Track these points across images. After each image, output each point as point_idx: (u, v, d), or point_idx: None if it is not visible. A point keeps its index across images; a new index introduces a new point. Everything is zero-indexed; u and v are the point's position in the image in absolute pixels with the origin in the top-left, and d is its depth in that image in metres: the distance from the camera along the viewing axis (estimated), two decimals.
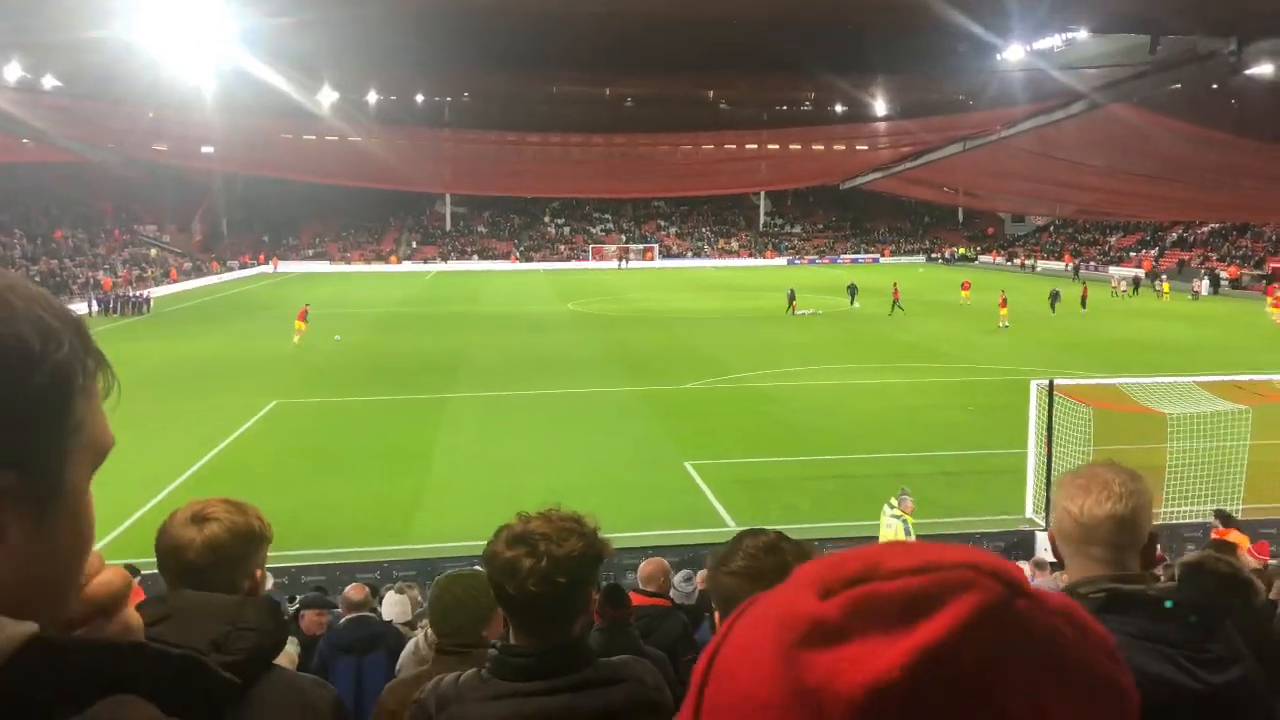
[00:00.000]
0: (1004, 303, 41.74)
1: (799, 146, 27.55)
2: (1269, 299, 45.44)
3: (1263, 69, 18.29)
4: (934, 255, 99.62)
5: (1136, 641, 1.89)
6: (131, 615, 0.90)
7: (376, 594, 9.44)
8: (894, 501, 13.87)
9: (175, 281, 69.85)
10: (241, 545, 2.21)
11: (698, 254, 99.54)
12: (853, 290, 50.22)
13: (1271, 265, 62.50)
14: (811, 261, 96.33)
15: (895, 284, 49.83)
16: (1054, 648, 0.66)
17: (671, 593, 9.02)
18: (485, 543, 2.32)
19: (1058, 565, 11.62)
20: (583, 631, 2.29)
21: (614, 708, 2.17)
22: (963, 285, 50.96)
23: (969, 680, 0.62)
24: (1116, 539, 2.01)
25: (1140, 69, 18.02)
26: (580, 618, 2.22)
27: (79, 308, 52.15)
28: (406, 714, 2.31)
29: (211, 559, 2.17)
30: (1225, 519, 12.20)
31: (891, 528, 13.50)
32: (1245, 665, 1.93)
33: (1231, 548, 9.48)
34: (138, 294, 55.17)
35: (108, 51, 16.44)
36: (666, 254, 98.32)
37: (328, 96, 21.28)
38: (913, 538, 12.88)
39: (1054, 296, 47.44)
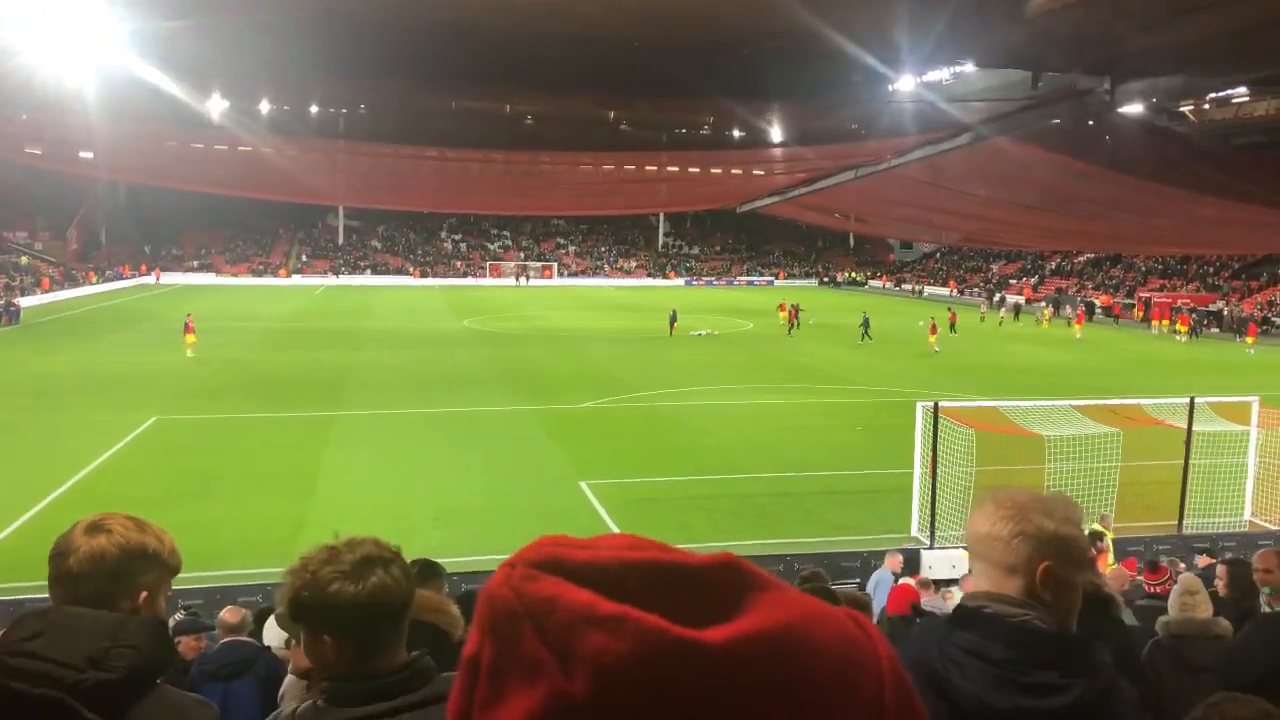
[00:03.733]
0: (934, 329, 43.77)
1: (698, 170, 27.82)
2: (1250, 339, 48.39)
3: (1134, 108, 19.26)
4: (825, 279, 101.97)
5: (965, 655, 1.97)
6: None
7: (262, 617, 9.11)
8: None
9: (47, 291, 66.59)
10: (127, 562, 2.13)
11: (597, 273, 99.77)
12: (866, 323, 46.10)
13: (1141, 294, 65.81)
14: (709, 283, 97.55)
15: (796, 305, 50.92)
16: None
17: None
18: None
19: (943, 583, 11.94)
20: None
21: None
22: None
23: None
24: (998, 567, 2.05)
25: (1022, 103, 18.79)
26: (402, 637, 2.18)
27: None
28: None
29: (89, 570, 2.10)
30: (1090, 540, 12.70)
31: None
32: (1078, 694, 1.96)
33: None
34: (1, 303, 52.20)
35: None
36: (566, 272, 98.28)
37: (218, 104, 20.63)
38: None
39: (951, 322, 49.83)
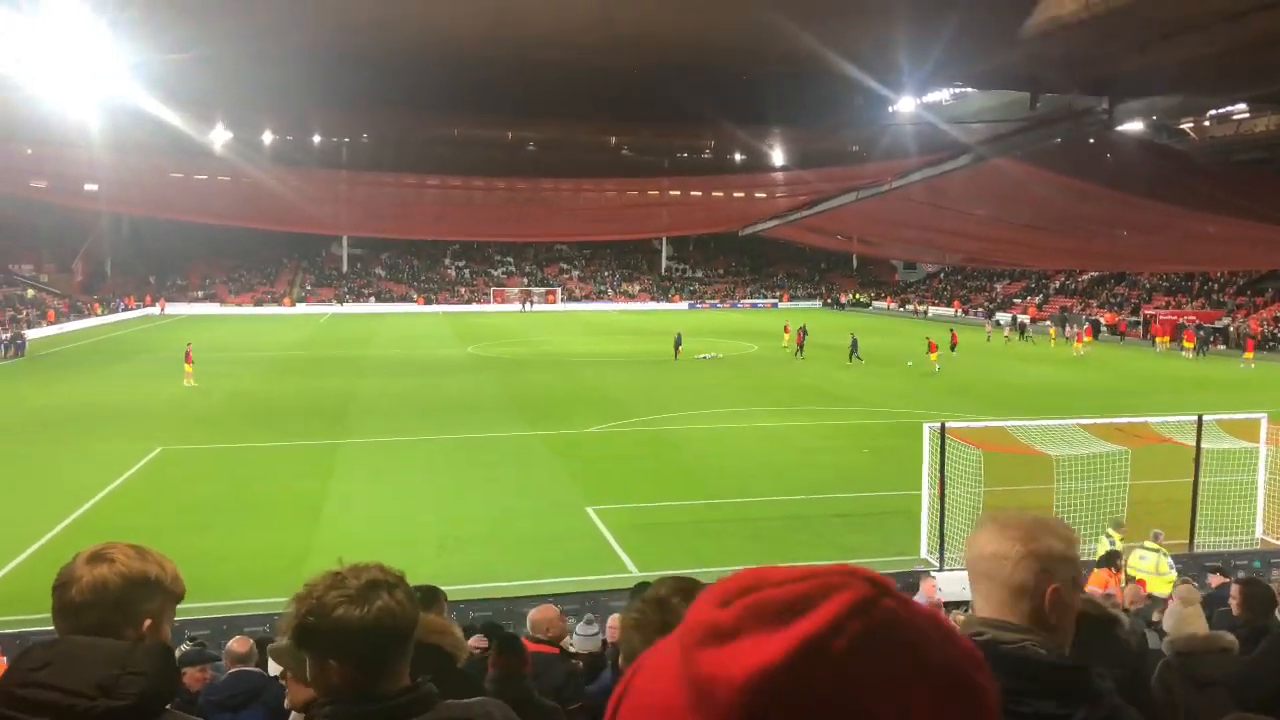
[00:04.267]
0: (933, 348, 43.83)
1: (700, 194, 27.92)
2: (1248, 354, 48.65)
3: (1133, 126, 19.30)
4: (829, 301, 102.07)
5: None
6: None
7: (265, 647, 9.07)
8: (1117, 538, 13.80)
9: (53, 323, 66.80)
10: (130, 590, 2.14)
11: (600, 297, 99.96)
12: (854, 344, 46.10)
13: (1146, 312, 65.77)
14: (713, 305, 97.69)
15: (804, 327, 50.84)
16: (919, 644, 0.74)
17: (574, 638, 8.88)
18: None
19: (953, 605, 11.85)
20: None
21: None
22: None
23: (842, 667, 0.70)
24: (1003, 589, 2.01)
25: (1021, 124, 18.84)
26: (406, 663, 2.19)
27: None
28: None
29: (92, 599, 2.11)
30: (1109, 560, 12.58)
31: (1147, 560, 13.32)
32: None
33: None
34: (7, 335, 52.29)
35: None
36: (569, 297, 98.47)
37: (221, 135, 20.77)
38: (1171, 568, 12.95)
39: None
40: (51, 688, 1.92)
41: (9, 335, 52.33)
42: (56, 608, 2.15)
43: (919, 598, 12.43)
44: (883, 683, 0.71)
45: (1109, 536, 14.48)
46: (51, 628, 2.18)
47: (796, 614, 0.71)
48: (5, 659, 10.52)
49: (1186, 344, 52.92)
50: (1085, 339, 55.94)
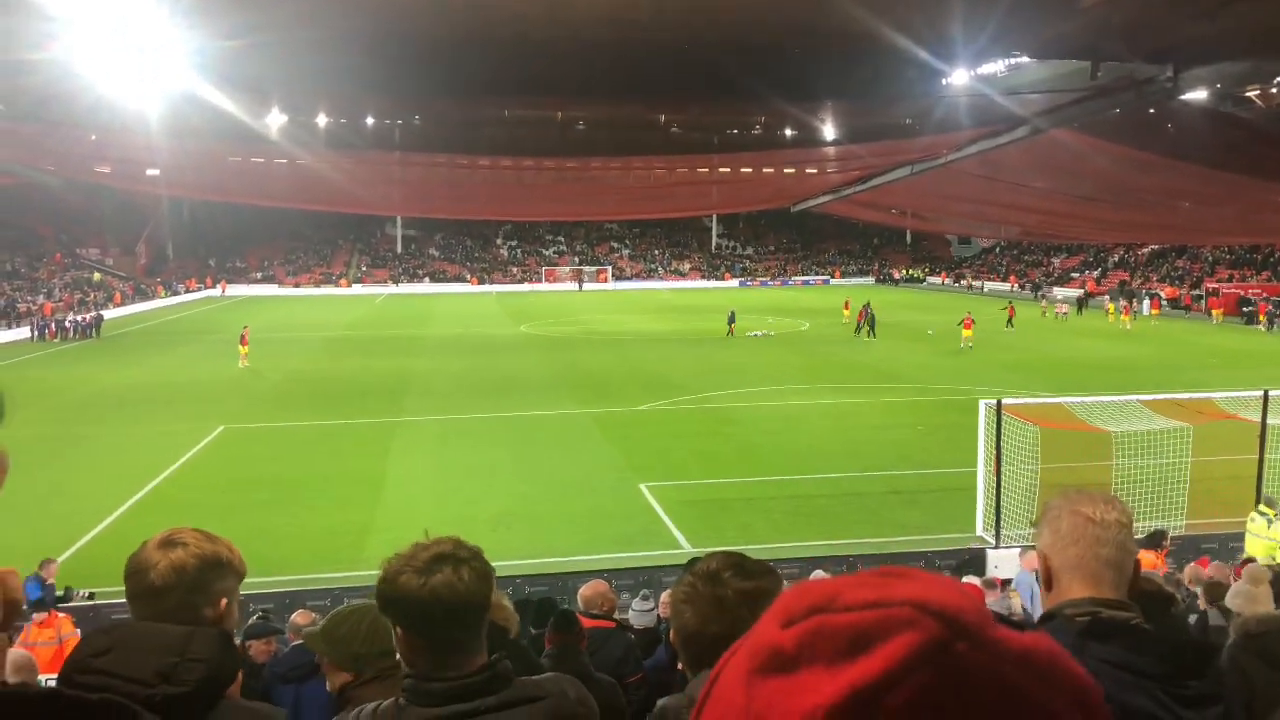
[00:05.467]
0: (969, 324, 42.37)
1: (750, 170, 27.71)
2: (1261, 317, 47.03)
3: (1197, 95, 18.78)
4: (882, 276, 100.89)
5: (1115, 671, 1.84)
6: None
7: None
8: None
9: (119, 305, 68.49)
10: (206, 571, 2.20)
11: (651, 276, 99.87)
12: (870, 320, 46.55)
13: (1208, 285, 64.19)
14: (764, 283, 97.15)
15: (867, 303, 49.86)
16: (1001, 697, 0.62)
17: (630, 614, 8.98)
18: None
19: (1008, 583, 11.76)
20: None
21: None
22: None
23: None
24: (1107, 563, 1.98)
25: (1081, 94, 18.41)
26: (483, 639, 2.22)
27: (21, 333, 51.03)
28: None
29: (173, 581, 2.15)
30: (1155, 540, 12.31)
31: (1257, 522, 13.10)
32: (1225, 704, 1.90)
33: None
34: (83, 318, 53.96)
35: (47, 73, 16.14)
36: (619, 276, 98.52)
37: (276, 119, 21.07)
38: None
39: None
40: (112, 675, 1.95)
41: (90, 316, 53.99)
42: (133, 592, 2.19)
43: (1023, 572, 12.03)
44: None
45: (1262, 514, 14.00)
46: (123, 600, 2.25)
47: (857, 652, 0.62)
48: (79, 631, 10.91)
49: (1262, 318, 51.62)
50: (1129, 313, 54.14)
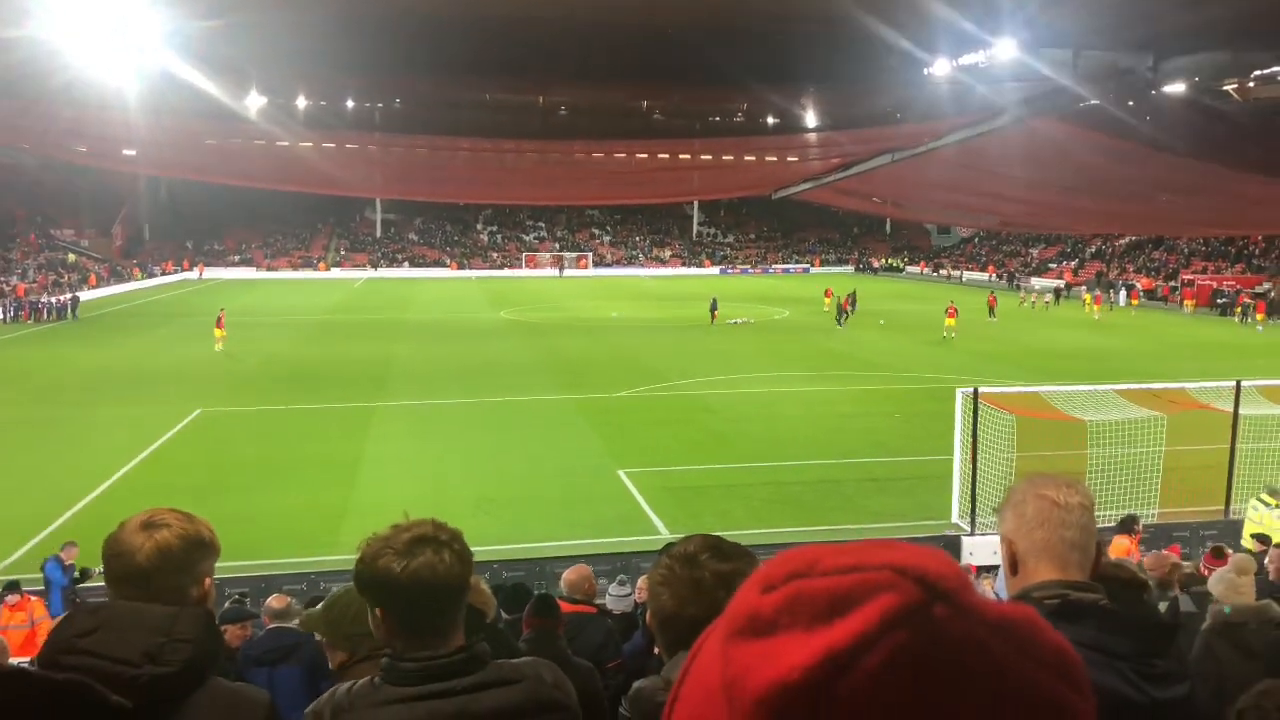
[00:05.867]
0: (953, 313, 42.56)
1: (731, 157, 27.74)
2: (1259, 315, 46.94)
3: (1176, 86, 18.91)
4: (861, 265, 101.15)
5: (1087, 651, 1.84)
6: None
7: (309, 605, 9.26)
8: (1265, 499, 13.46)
9: (94, 287, 67.79)
10: (191, 551, 2.19)
11: (632, 263, 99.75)
12: (850, 303, 48.08)
13: (1184, 276, 64.75)
14: (744, 271, 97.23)
15: (852, 292, 49.91)
16: (979, 661, 0.62)
17: (606, 600, 9.00)
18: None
19: (984, 570, 11.84)
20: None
21: (510, 707, 2.18)
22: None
23: (873, 688, 0.60)
24: (1073, 546, 2.00)
25: (1061, 84, 18.51)
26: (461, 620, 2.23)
27: None
28: None
29: (161, 564, 2.14)
30: (1127, 525, 12.41)
31: (1259, 510, 12.89)
32: (1190, 682, 1.93)
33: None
34: (58, 299, 53.45)
35: (24, 50, 15.92)
36: (600, 262, 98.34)
37: (255, 101, 20.89)
38: None
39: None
40: (98, 655, 1.93)
41: (66, 298, 53.45)
42: (118, 575, 2.16)
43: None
44: (929, 709, 0.60)
45: (1264, 503, 14.02)
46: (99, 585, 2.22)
47: (834, 616, 0.62)
48: (51, 614, 10.81)
49: (1260, 316, 50.31)
50: (1101, 302, 54.40)
